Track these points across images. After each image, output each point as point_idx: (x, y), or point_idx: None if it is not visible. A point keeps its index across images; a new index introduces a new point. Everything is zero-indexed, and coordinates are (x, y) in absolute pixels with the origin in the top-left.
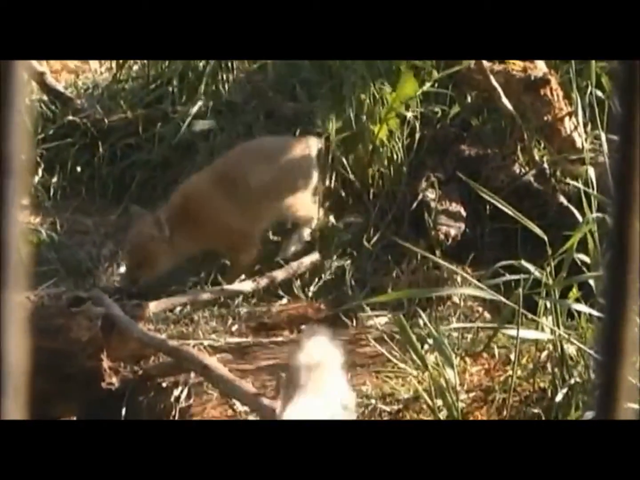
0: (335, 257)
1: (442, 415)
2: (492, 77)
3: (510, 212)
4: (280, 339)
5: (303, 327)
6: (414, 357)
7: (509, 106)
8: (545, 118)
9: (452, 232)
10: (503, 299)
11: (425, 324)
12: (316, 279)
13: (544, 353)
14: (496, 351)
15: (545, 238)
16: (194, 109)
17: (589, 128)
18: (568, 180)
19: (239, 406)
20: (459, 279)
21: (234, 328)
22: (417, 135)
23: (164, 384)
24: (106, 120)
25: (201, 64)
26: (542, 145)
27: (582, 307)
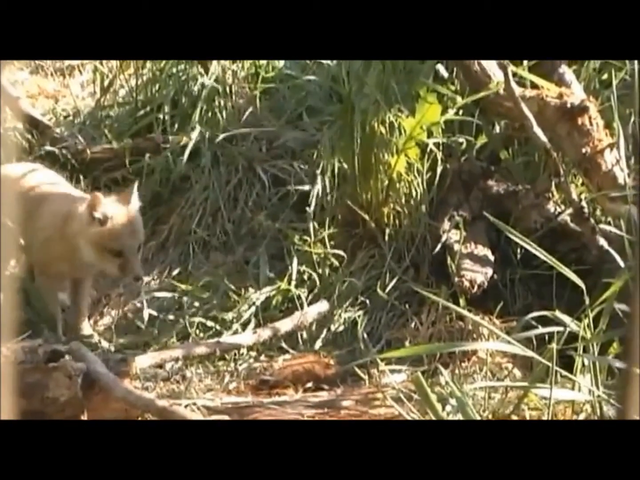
0: (345, 306)
1: None
2: (523, 104)
3: (543, 257)
4: (283, 398)
5: (309, 385)
6: (434, 419)
7: (543, 137)
8: (584, 150)
9: (478, 278)
10: (535, 355)
11: (447, 382)
12: (324, 331)
13: (581, 416)
14: (527, 413)
15: (583, 286)
16: (188, 139)
17: (632, 162)
18: (609, 220)
19: None
20: (485, 331)
21: (231, 386)
22: (439, 169)
23: None
24: (88, 151)
25: (196, 88)
26: (580, 181)
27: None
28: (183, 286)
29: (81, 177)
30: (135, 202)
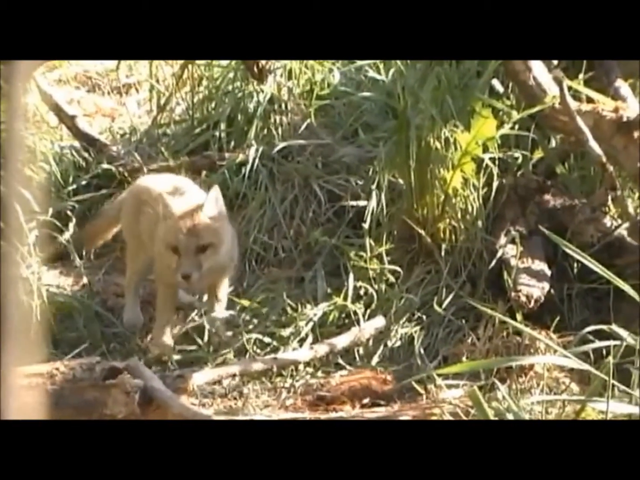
0: (402, 322)
1: None
2: (579, 119)
3: (600, 271)
4: (340, 414)
5: (366, 401)
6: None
7: (599, 151)
8: None
9: (535, 293)
10: (592, 369)
11: (504, 397)
12: (381, 347)
13: None
14: None
15: None
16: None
17: None
18: None
19: None
20: (542, 346)
21: (288, 402)
22: (495, 184)
23: None
24: (145, 169)
25: (251, 105)
26: (637, 194)
27: None
28: (243, 301)
29: None
30: (208, 205)
